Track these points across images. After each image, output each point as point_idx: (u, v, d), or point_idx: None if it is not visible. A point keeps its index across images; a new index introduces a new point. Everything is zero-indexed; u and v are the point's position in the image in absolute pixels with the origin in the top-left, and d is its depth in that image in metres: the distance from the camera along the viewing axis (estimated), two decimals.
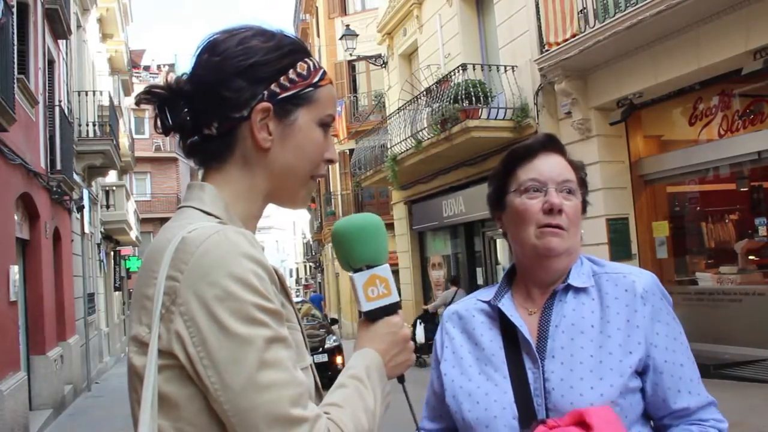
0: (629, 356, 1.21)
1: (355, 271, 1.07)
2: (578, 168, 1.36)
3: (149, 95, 1.01)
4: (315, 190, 1.11)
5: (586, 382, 1.19)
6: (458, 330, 1.39)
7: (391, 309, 1.06)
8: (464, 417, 1.27)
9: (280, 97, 1.00)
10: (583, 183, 1.36)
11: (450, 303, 11.97)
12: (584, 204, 1.35)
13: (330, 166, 1.12)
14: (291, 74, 1.01)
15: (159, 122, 1.02)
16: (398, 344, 1.05)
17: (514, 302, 1.35)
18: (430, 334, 11.79)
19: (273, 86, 0.99)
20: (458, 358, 1.35)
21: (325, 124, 1.05)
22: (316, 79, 1.03)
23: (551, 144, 1.35)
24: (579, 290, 1.29)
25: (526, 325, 1.29)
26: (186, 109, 1.00)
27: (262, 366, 0.85)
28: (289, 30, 1.07)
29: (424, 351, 11.36)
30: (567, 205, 1.29)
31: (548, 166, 1.32)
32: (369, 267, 1.06)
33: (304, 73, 1.02)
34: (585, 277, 1.31)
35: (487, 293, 1.39)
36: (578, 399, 1.18)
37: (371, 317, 1.06)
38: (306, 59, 1.03)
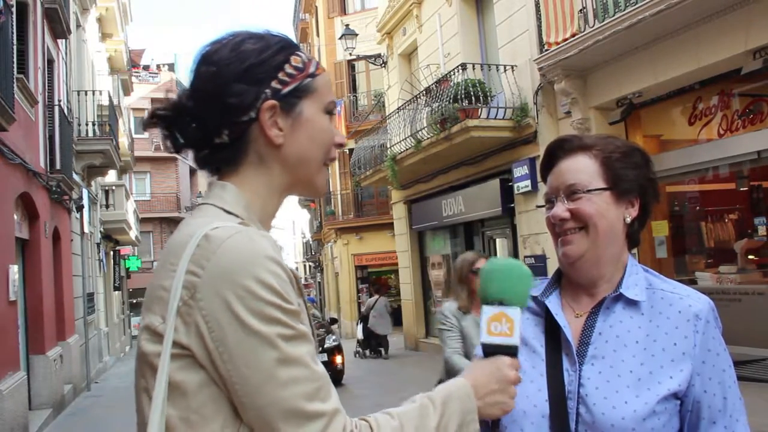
0: (669, 380, 1.19)
1: (488, 304, 1.10)
2: (608, 156, 1.29)
3: (155, 118, 1.05)
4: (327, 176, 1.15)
5: (621, 396, 1.18)
6: None
7: (508, 350, 1.07)
8: None
9: (283, 92, 1.02)
10: (617, 170, 1.28)
11: (372, 308, 15.12)
12: (621, 192, 1.28)
13: (329, 166, 1.15)
14: (288, 69, 1.03)
15: (170, 142, 1.05)
16: (499, 382, 1.05)
17: (561, 301, 1.34)
18: (365, 332, 15.60)
19: (273, 83, 1.01)
20: None
21: (329, 111, 1.08)
22: (312, 69, 1.06)
23: (563, 149, 1.33)
24: (630, 302, 1.26)
25: (570, 326, 1.28)
26: (193, 125, 1.02)
27: (280, 363, 0.87)
28: (278, 29, 1.09)
29: (363, 346, 15.70)
30: (573, 207, 1.28)
31: (556, 176, 1.32)
32: (502, 304, 1.09)
33: (300, 65, 1.05)
34: (638, 289, 1.28)
35: (536, 288, 1.37)
36: (610, 411, 1.17)
37: (486, 351, 1.08)
38: (297, 53, 1.06)
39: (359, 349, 15.70)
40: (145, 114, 1.07)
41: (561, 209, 1.28)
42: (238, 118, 1.00)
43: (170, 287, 0.91)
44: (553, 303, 1.32)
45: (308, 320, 0.99)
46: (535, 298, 1.36)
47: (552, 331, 1.30)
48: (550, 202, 1.33)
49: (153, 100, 32.86)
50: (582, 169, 1.29)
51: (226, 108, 1.00)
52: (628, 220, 1.31)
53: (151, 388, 0.91)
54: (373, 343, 15.43)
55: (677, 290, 1.28)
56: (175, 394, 0.90)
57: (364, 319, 15.76)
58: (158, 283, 0.94)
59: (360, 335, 15.73)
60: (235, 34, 1.05)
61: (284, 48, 1.04)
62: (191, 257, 0.90)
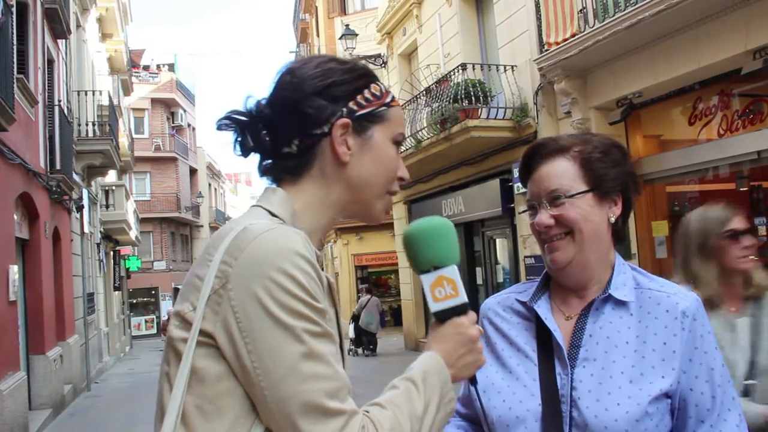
0: (661, 380, 1.18)
1: (423, 272, 1.09)
2: (588, 157, 1.28)
3: (230, 120, 1.08)
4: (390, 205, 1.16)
5: (614, 398, 1.18)
6: (493, 327, 1.38)
7: (460, 310, 1.07)
8: (488, 413, 1.27)
9: (358, 114, 1.07)
10: (598, 170, 1.27)
11: (364, 308, 15.97)
12: (604, 192, 1.27)
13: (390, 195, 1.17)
14: (366, 94, 1.08)
15: (239, 146, 1.09)
16: (465, 344, 1.07)
17: (551, 305, 1.33)
18: (356, 331, 16.28)
19: (351, 104, 1.06)
20: (495, 356, 1.34)
21: (397, 142, 1.12)
22: (388, 99, 1.11)
23: (541, 153, 1.31)
24: (619, 303, 1.26)
25: (560, 329, 1.28)
26: (265, 132, 1.07)
27: (304, 357, 0.88)
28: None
29: (355, 344, 16.25)
30: (557, 213, 1.27)
31: (537, 181, 1.31)
32: (436, 268, 1.08)
33: (378, 93, 1.10)
34: (627, 289, 1.27)
35: (525, 293, 1.37)
36: (603, 413, 1.17)
37: (440, 318, 1.08)
38: (378, 82, 1.12)
39: (352, 347, 16.32)
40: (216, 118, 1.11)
41: (545, 216, 1.27)
42: (311, 129, 1.05)
43: (204, 276, 0.93)
44: (542, 308, 1.32)
45: (338, 329, 1.01)
46: (524, 304, 1.36)
47: (543, 336, 1.29)
48: (532, 208, 1.32)
49: (153, 100, 32.93)
50: (561, 173, 1.28)
51: (302, 118, 1.04)
52: (613, 219, 1.30)
53: (173, 374, 0.94)
54: (365, 341, 16.16)
55: (665, 288, 1.27)
56: (193, 380, 0.92)
57: (355, 318, 16.45)
58: (194, 273, 0.97)
59: (352, 334, 16.45)
60: (321, 55, 1.12)
61: (366, 75, 1.10)
62: (227, 248, 0.93)
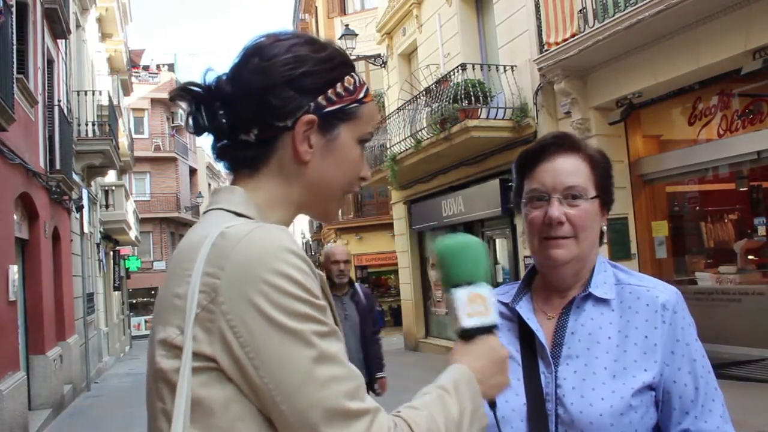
0: (643, 373, 1.19)
1: (457, 286, 1.06)
2: (597, 163, 1.30)
3: (184, 92, 0.99)
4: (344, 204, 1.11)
5: (597, 393, 1.19)
6: None
7: (488, 329, 1.05)
8: None
9: (326, 110, 0.97)
10: (603, 179, 1.30)
11: None
12: (604, 201, 1.31)
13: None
14: (338, 88, 0.98)
15: (192, 122, 0.99)
16: (497, 364, 1.03)
17: (533, 305, 1.34)
18: None
19: (320, 98, 0.97)
20: None
21: (364, 141, 1.03)
22: (361, 94, 1.01)
23: (559, 144, 1.30)
24: (599, 300, 1.27)
25: (542, 329, 1.28)
26: (222, 112, 0.97)
27: (317, 361, 0.82)
28: (336, 43, 1.04)
29: None
30: (571, 213, 1.26)
31: (552, 173, 1.28)
32: (469, 284, 1.06)
33: (351, 87, 1.00)
34: (607, 287, 1.28)
35: (507, 294, 1.38)
36: (588, 409, 1.18)
37: (466, 335, 1.05)
38: (352, 73, 1.01)
39: None
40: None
41: (558, 211, 1.26)
42: (273, 121, 0.95)
43: (185, 294, 0.84)
44: (524, 308, 1.33)
45: (336, 321, 0.95)
46: (506, 305, 1.36)
47: (526, 336, 1.30)
48: (539, 199, 1.29)
49: (153, 101, 32.94)
50: (578, 171, 1.28)
51: (266, 107, 0.94)
52: (605, 228, 1.32)
53: (171, 409, 0.84)
54: None
55: (644, 282, 1.28)
56: (197, 413, 0.82)
57: None
58: (171, 291, 0.87)
59: None
60: (296, 35, 1.01)
61: (341, 65, 1.00)
62: (207, 258, 0.84)
